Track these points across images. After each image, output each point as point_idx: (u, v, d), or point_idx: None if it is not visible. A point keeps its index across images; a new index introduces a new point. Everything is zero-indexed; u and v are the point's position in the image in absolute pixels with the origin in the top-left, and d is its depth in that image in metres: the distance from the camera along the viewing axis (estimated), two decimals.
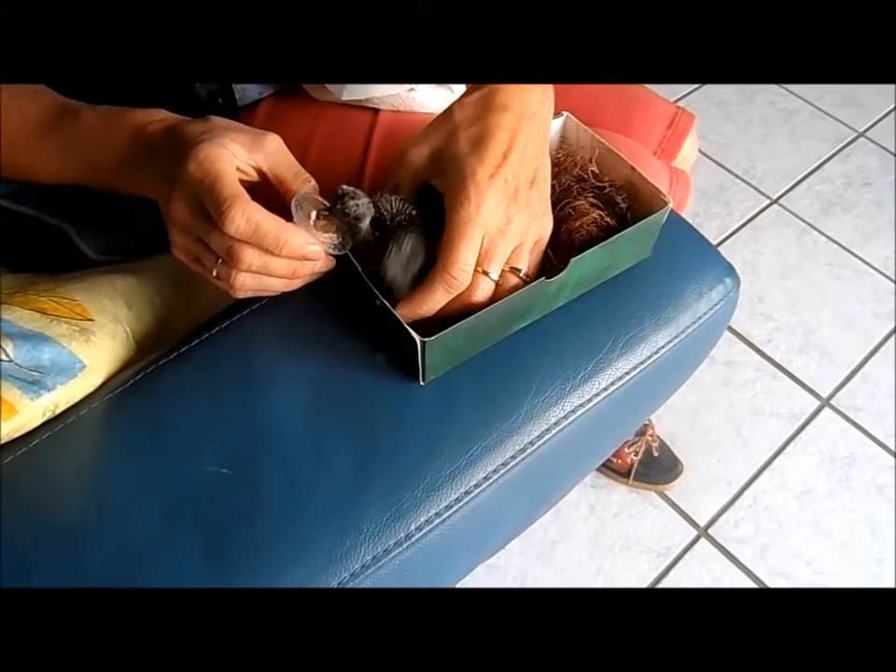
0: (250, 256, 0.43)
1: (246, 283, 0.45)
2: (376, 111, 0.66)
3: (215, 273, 0.45)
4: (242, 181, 0.44)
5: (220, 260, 0.44)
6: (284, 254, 0.44)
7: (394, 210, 0.47)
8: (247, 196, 0.43)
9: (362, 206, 0.45)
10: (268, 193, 0.46)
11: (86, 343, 0.48)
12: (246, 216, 0.42)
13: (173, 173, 0.44)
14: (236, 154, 0.44)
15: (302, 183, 0.46)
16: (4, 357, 0.44)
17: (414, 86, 0.65)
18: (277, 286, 0.47)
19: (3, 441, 0.45)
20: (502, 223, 0.46)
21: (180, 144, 0.44)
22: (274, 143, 0.46)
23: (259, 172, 0.46)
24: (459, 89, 0.68)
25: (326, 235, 0.46)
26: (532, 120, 0.48)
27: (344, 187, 0.46)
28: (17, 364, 0.45)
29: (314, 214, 0.45)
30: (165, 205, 0.45)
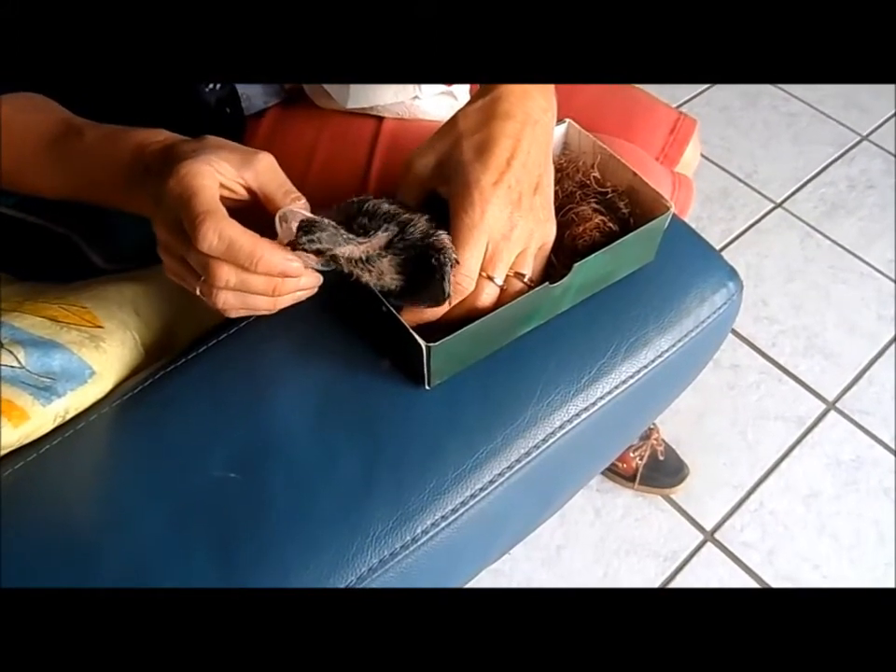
0: (226, 273, 0.42)
1: (229, 301, 0.44)
2: (380, 119, 0.67)
3: (198, 292, 0.44)
4: (229, 200, 0.44)
5: (203, 279, 0.43)
6: (259, 270, 0.42)
7: (367, 221, 0.45)
8: (223, 212, 0.41)
9: (323, 240, 0.42)
10: (258, 212, 0.45)
11: (95, 350, 0.49)
12: (218, 231, 0.40)
13: (158, 191, 0.43)
14: (222, 171, 0.43)
15: (291, 201, 0.45)
16: (16, 363, 0.45)
17: (418, 94, 0.65)
18: (260, 303, 0.45)
19: (15, 447, 0.46)
20: (506, 229, 0.47)
21: (169, 161, 0.44)
22: (266, 161, 0.45)
23: (249, 191, 0.46)
24: (463, 96, 0.69)
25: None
26: (535, 128, 0.48)
27: (304, 220, 0.43)
28: (28, 371, 0.45)
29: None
30: (153, 224, 0.44)
